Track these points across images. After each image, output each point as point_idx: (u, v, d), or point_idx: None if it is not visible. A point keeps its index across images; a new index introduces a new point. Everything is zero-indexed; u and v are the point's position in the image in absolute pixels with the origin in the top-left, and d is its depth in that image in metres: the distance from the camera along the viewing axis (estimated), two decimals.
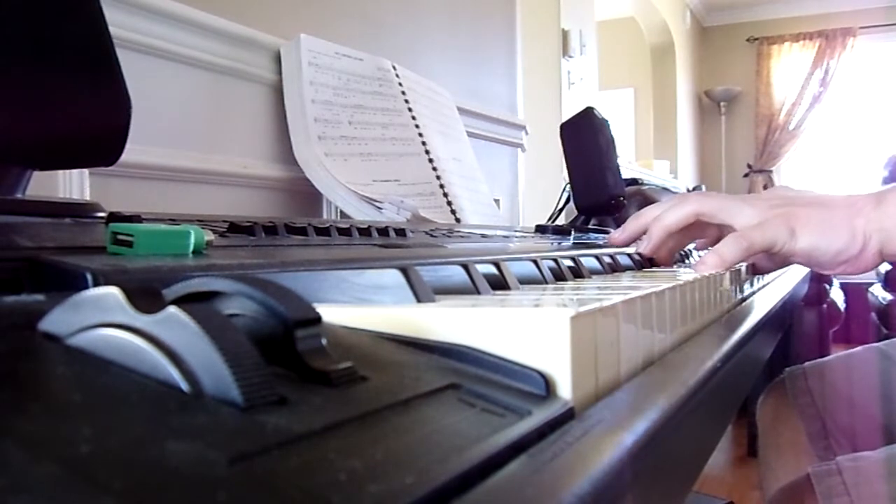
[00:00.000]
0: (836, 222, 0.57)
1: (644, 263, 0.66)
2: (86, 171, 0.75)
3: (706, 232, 0.68)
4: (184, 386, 0.15)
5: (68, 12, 0.41)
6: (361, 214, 0.93)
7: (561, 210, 1.34)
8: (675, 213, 0.62)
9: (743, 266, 0.62)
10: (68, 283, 0.23)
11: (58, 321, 0.17)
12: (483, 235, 0.75)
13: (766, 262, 0.67)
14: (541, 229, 1.02)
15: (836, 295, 2.79)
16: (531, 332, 0.22)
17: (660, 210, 0.64)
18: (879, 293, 3.02)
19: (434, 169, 1.14)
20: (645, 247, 0.63)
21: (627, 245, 0.65)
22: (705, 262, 0.56)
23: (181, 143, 0.89)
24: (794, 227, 0.57)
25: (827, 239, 0.57)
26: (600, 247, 0.70)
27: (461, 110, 1.39)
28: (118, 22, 0.78)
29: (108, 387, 0.15)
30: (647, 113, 4.93)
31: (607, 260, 0.58)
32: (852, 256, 0.57)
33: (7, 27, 0.39)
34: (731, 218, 0.60)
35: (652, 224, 0.63)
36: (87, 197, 0.75)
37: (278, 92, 1.01)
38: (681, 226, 0.62)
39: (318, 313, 0.19)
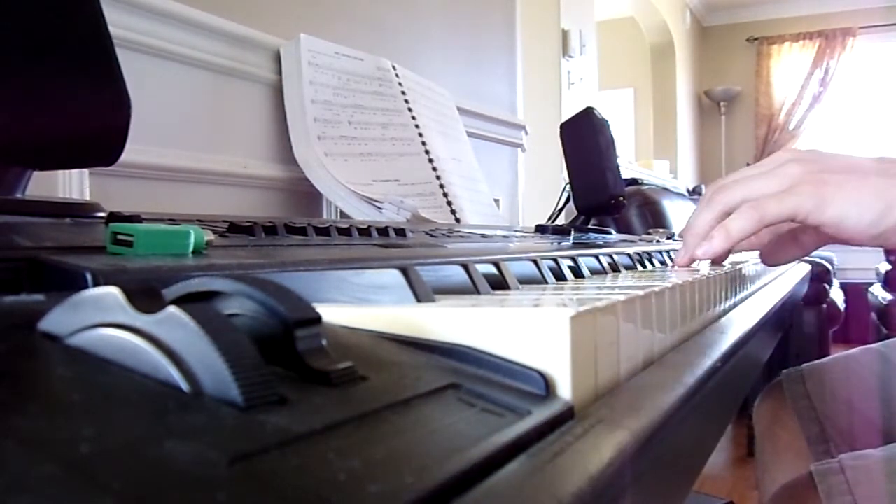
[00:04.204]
0: (870, 190, 0.52)
1: (644, 263, 0.66)
2: (86, 171, 0.75)
3: None
4: (184, 386, 0.15)
5: (68, 12, 0.41)
6: (361, 214, 0.93)
7: (561, 210, 1.34)
8: (704, 216, 0.57)
9: (742, 266, 0.62)
10: (68, 282, 0.23)
11: (57, 321, 0.17)
12: (483, 235, 0.75)
13: (788, 247, 0.62)
14: (541, 229, 1.02)
15: (836, 295, 2.80)
16: (531, 332, 0.22)
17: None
18: (879, 293, 3.02)
19: (434, 169, 1.14)
20: (680, 258, 0.59)
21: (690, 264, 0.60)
22: (713, 237, 0.54)
23: (181, 143, 0.89)
24: (823, 194, 0.52)
25: (859, 208, 0.52)
26: (600, 247, 0.70)
27: (461, 110, 1.39)
28: (118, 22, 0.78)
29: (108, 387, 0.15)
30: (647, 113, 4.93)
31: (607, 260, 0.58)
32: (888, 229, 0.52)
33: (7, 27, 0.39)
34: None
35: (684, 233, 0.59)
36: (87, 197, 0.75)
37: (278, 92, 1.01)
38: (712, 227, 0.57)
39: (318, 313, 0.19)
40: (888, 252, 2.82)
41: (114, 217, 0.37)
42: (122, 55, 0.44)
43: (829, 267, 2.68)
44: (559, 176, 2.35)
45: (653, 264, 0.69)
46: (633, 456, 0.18)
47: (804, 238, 0.61)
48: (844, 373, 0.93)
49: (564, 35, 2.78)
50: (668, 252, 0.78)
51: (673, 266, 0.62)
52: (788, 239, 0.62)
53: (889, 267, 2.95)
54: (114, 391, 0.15)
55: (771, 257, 0.64)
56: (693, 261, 0.58)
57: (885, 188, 0.52)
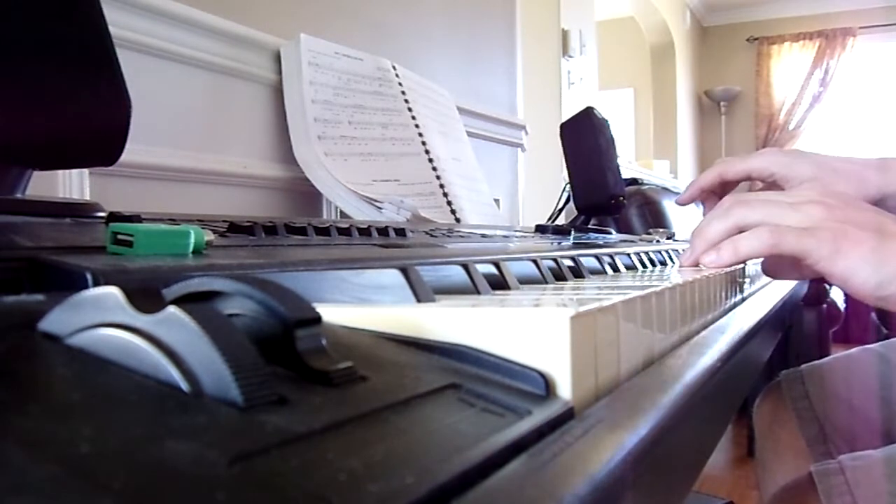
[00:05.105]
0: (888, 254, 0.51)
1: (645, 264, 0.66)
2: (86, 171, 0.75)
3: None
4: (184, 386, 0.15)
5: (68, 12, 0.41)
6: (361, 214, 0.93)
7: (561, 210, 1.34)
8: (717, 225, 0.56)
9: (742, 266, 0.62)
10: (68, 283, 0.23)
11: (57, 321, 0.17)
12: (483, 235, 0.75)
13: (788, 270, 0.62)
14: (541, 229, 1.02)
15: (836, 295, 2.80)
16: (531, 332, 0.22)
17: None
18: None
19: (434, 169, 1.14)
20: (685, 259, 0.58)
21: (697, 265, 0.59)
22: (721, 248, 0.54)
23: (181, 143, 0.89)
24: (840, 245, 0.51)
25: (869, 268, 0.51)
26: (600, 247, 0.70)
27: (461, 110, 1.39)
28: (118, 22, 0.78)
29: (108, 387, 0.15)
30: (647, 113, 4.93)
31: (607, 260, 0.57)
32: (893, 294, 0.51)
33: (7, 27, 0.38)
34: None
35: (694, 236, 0.58)
36: (87, 197, 0.75)
37: (278, 92, 1.01)
38: (722, 237, 0.56)
39: (318, 313, 0.19)
40: None
41: (114, 217, 0.37)
42: (122, 55, 0.44)
43: None
44: (559, 176, 2.35)
45: (653, 264, 0.69)
46: (633, 456, 0.18)
47: (805, 269, 0.61)
48: (844, 373, 0.93)
49: (564, 35, 2.78)
50: (668, 252, 0.78)
51: (678, 265, 0.62)
52: (791, 263, 0.62)
53: None
54: (114, 391, 0.15)
55: (772, 271, 0.64)
56: (697, 264, 0.58)
57: None
